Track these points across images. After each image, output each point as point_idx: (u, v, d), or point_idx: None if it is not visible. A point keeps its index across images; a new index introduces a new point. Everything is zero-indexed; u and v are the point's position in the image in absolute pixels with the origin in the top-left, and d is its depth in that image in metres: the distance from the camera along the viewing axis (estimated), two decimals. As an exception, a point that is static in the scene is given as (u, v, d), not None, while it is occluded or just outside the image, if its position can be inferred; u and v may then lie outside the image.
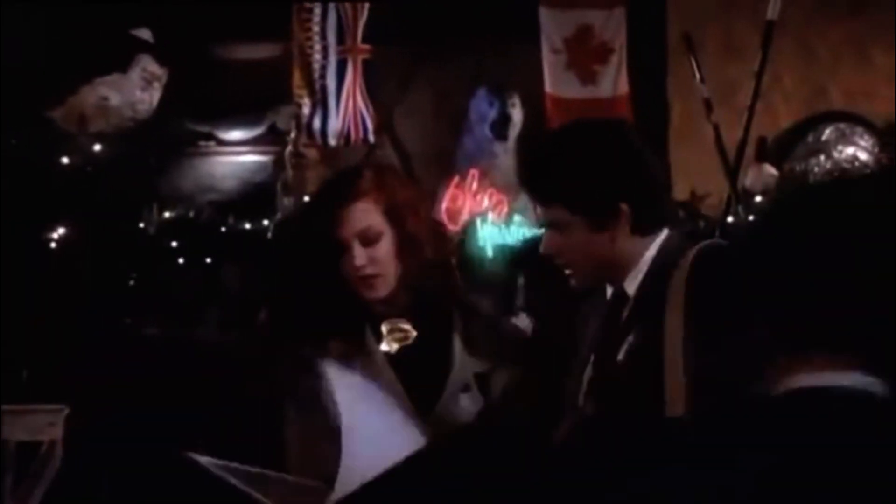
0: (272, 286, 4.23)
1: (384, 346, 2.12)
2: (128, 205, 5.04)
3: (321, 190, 2.39)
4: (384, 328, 2.11)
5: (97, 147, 5.30)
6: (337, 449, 2.02)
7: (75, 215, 4.66)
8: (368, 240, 2.15)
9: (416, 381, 2.07)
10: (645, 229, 1.93)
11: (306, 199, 4.96)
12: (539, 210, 1.98)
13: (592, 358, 2.01)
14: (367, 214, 2.16)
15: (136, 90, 6.02)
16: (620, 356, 1.90)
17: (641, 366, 1.85)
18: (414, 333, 2.09)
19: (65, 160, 5.04)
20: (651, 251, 1.94)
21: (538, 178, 2.00)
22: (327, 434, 2.03)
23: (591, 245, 1.91)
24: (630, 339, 1.91)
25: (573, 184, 1.91)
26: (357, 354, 2.14)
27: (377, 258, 2.15)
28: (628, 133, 2.00)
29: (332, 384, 2.07)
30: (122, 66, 6.00)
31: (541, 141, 2.34)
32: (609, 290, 2.06)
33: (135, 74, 6.03)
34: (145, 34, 6.16)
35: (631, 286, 1.97)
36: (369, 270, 2.13)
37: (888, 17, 6.14)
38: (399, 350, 2.12)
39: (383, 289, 2.15)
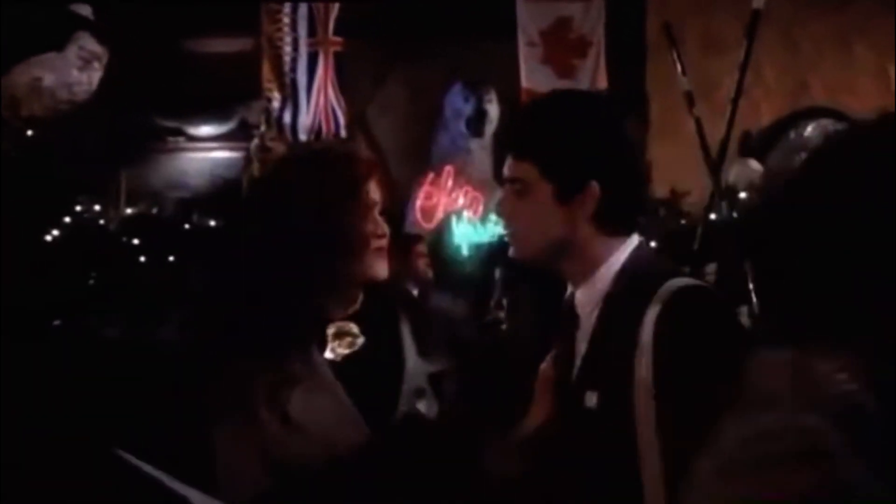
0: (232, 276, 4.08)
1: (329, 354, 1.84)
2: (55, 197, 4.78)
3: (349, 159, 2.11)
4: (330, 331, 1.83)
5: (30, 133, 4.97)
6: (265, 472, 1.77)
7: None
8: (380, 213, 1.94)
9: (366, 393, 1.84)
10: (611, 225, 1.75)
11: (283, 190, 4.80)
12: (507, 167, 1.79)
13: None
14: (376, 187, 1.94)
15: (73, 70, 5.63)
16: (587, 402, 1.72)
17: (608, 419, 1.67)
18: (362, 338, 1.85)
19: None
20: (614, 262, 1.77)
21: (518, 130, 1.88)
22: (259, 456, 1.78)
23: (550, 218, 1.75)
24: (590, 379, 1.72)
25: (550, 141, 1.77)
26: (299, 363, 1.87)
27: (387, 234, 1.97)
28: (621, 116, 1.85)
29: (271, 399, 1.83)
30: (58, 44, 5.63)
31: (536, 99, 2.23)
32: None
33: (71, 53, 5.65)
34: (84, 10, 5.78)
35: (586, 302, 1.78)
36: (384, 242, 1.91)
37: (871, 12, 6.09)
38: (346, 357, 1.85)
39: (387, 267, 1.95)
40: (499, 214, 1.85)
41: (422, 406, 1.89)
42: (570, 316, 1.80)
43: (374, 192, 1.93)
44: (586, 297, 1.77)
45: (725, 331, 1.64)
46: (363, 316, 1.89)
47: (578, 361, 1.74)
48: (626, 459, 1.60)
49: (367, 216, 1.91)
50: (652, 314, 1.63)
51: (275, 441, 1.76)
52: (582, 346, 1.75)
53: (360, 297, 1.91)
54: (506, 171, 1.79)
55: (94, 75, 5.75)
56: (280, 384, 1.78)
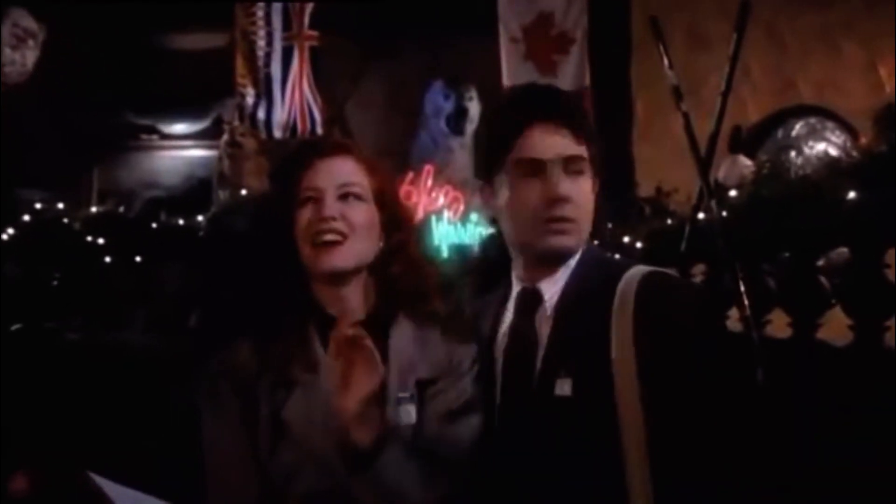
0: (208, 278, 3.95)
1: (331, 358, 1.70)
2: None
3: (296, 146, 2.00)
4: (334, 334, 1.72)
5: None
6: (254, 479, 1.72)
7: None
8: (347, 195, 1.77)
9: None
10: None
11: (243, 192, 4.68)
12: (559, 144, 1.69)
13: (500, 384, 1.73)
14: (348, 169, 1.78)
15: (6, 49, 5.42)
16: (559, 390, 1.63)
17: (586, 405, 1.61)
18: (370, 345, 1.70)
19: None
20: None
21: (578, 108, 1.79)
22: (248, 466, 1.73)
23: (590, 204, 1.74)
24: (560, 366, 1.65)
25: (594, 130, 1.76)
26: (297, 360, 1.76)
27: (352, 219, 1.75)
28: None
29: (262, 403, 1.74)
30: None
31: None
32: (514, 292, 1.79)
33: (4, 30, 5.43)
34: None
35: (551, 289, 1.73)
36: (338, 227, 1.74)
37: (859, 8, 6.01)
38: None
39: (344, 258, 1.73)
40: (564, 194, 1.69)
41: (403, 412, 1.76)
42: (527, 305, 1.75)
43: (320, 179, 1.78)
44: (552, 284, 1.74)
45: (705, 309, 1.66)
46: (372, 322, 1.76)
47: (541, 350, 1.69)
48: (607, 446, 1.57)
49: (304, 206, 1.78)
50: (624, 295, 1.63)
51: (265, 443, 1.71)
52: (543, 332, 1.71)
53: (372, 299, 1.82)
54: (560, 148, 1.68)
55: (29, 54, 5.52)
56: (277, 385, 1.73)
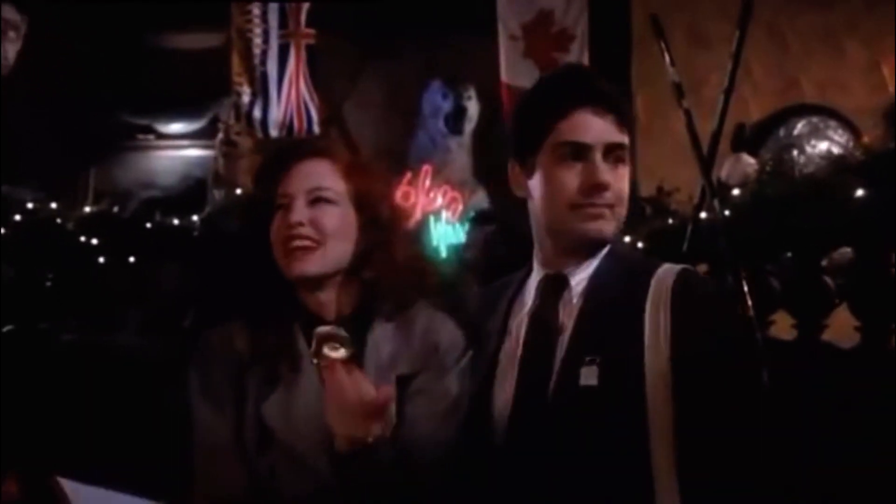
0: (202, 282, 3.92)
1: (314, 359, 1.69)
2: None
3: (274, 149, 2.01)
4: (317, 332, 1.69)
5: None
6: (242, 470, 1.71)
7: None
8: (318, 200, 1.76)
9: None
10: None
11: (238, 191, 4.63)
12: (604, 131, 1.65)
13: (517, 371, 1.67)
14: (321, 172, 1.78)
15: None
16: (585, 379, 1.58)
17: (616, 388, 1.56)
18: (350, 349, 1.68)
19: None
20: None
21: (623, 96, 1.76)
22: (236, 455, 1.72)
23: (627, 193, 1.71)
24: (586, 355, 1.61)
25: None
26: (283, 357, 1.75)
27: (322, 224, 1.73)
28: None
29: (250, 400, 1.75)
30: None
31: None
32: (535, 278, 1.75)
33: None
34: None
35: (579, 278, 1.70)
36: (306, 232, 1.73)
37: (861, 8, 5.98)
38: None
39: (315, 264, 1.72)
40: (604, 180, 1.65)
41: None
42: (551, 290, 1.71)
43: (291, 185, 1.76)
44: (580, 271, 1.70)
45: (735, 307, 1.66)
46: (356, 320, 1.76)
47: (564, 337, 1.65)
48: (633, 438, 1.53)
49: (278, 212, 1.77)
50: (660, 287, 1.60)
51: (251, 439, 1.71)
52: (567, 319, 1.67)
53: (352, 300, 1.80)
54: (603, 134, 1.65)
55: (11, 47, 5.41)
56: (263, 381, 1.73)
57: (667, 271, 1.65)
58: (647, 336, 1.57)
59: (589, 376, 1.58)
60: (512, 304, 1.77)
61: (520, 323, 1.73)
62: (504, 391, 1.68)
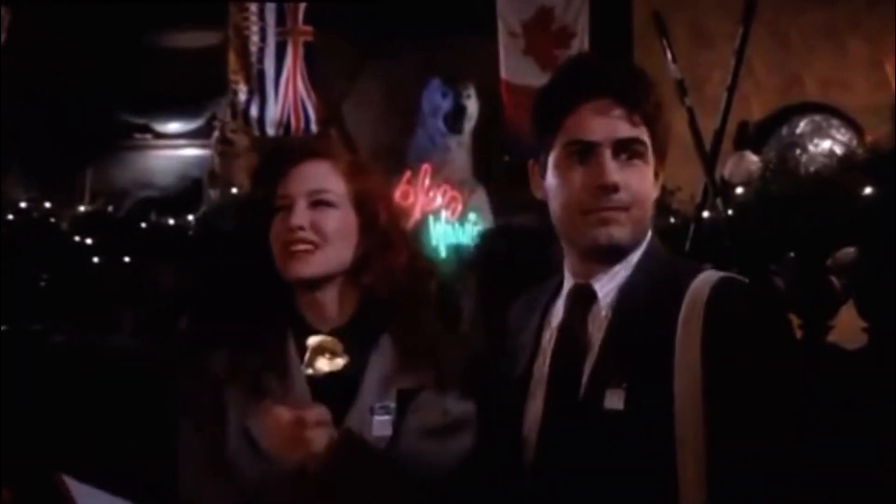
0: (197, 284, 3.89)
1: (307, 370, 1.69)
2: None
3: (274, 149, 2.00)
4: (310, 342, 1.65)
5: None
6: (230, 486, 1.69)
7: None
8: (319, 203, 1.73)
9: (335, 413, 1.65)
10: None
11: (234, 190, 4.60)
12: (617, 127, 1.54)
13: (545, 388, 1.58)
14: (321, 174, 1.78)
15: None
16: (608, 403, 1.47)
17: (642, 413, 1.46)
18: (344, 359, 1.64)
19: None
20: (638, 249, 1.61)
21: (639, 84, 1.62)
22: (222, 468, 1.70)
23: (648, 193, 1.59)
24: (611, 377, 1.51)
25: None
26: (271, 368, 1.72)
27: (323, 227, 1.74)
28: None
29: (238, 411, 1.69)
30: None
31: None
32: (566, 287, 1.65)
33: None
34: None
35: (606, 291, 1.59)
36: (306, 236, 1.72)
37: (864, 6, 5.95)
38: (327, 375, 1.67)
39: (315, 265, 1.73)
40: (613, 181, 1.54)
41: (378, 424, 1.68)
42: (578, 302, 1.60)
43: (291, 187, 1.74)
44: (607, 281, 1.58)
45: (780, 324, 1.58)
46: (351, 330, 1.73)
47: (592, 354, 1.54)
48: (659, 467, 1.43)
49: (277, 214, 1.75)
50: (694, 302, 1.47)
51: (235, 453, 1.68)
52: (595, 335, 1.56)
53: (351, 306, 1.76)
54: (610, 129, 1.53)
55: None
56: (248, 393, 1.71)
57: (704, 282, 1.51)
58: (678, 355, 1.45)
59: (614, 400, 1.48)
60: (546, 314, 1.67)
61: (550, 336, 1.64)
62: (535, 406, 1.59)
